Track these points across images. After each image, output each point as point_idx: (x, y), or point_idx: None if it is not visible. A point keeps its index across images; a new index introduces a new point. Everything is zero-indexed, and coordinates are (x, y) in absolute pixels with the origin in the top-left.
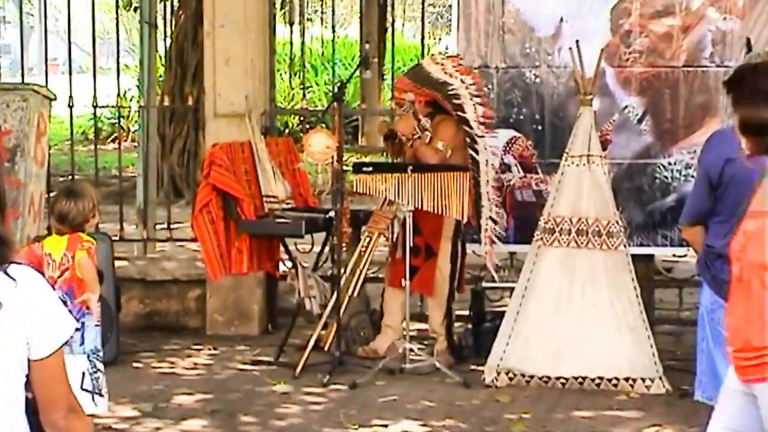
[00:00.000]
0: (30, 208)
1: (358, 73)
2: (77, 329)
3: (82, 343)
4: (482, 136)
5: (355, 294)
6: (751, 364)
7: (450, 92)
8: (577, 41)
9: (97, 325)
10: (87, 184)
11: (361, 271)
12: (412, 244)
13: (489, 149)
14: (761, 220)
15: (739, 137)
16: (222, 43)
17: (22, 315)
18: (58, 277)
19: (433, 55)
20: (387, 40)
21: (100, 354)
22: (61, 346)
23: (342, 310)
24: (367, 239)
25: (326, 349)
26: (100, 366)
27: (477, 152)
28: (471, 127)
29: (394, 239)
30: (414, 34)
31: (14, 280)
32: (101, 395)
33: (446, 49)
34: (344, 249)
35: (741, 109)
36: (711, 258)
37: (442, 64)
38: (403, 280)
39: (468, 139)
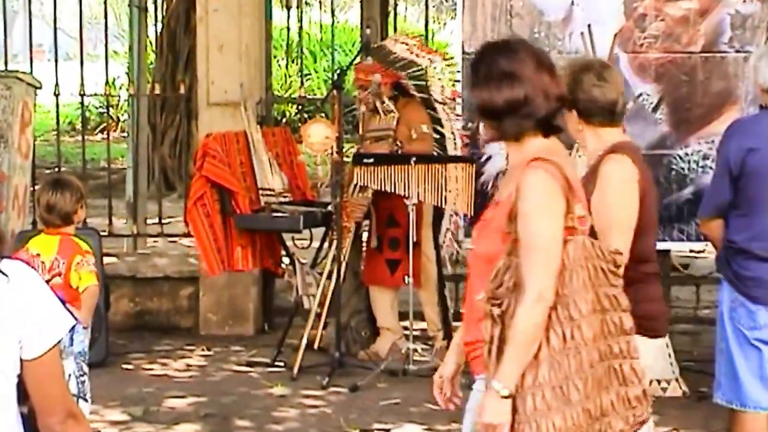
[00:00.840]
0: (14, 201)
1: (358, 59)
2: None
3: (71, 345)
4: (449, 120)
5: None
6: (470, 358)
7: (415, 73)
8: (589, 25)
9: (85, 327)
10: (72, 176)
11: (340, 264)
12: (390, 236)
13: (456, 132)
14: (494, 209)
15: (479, 122)
16: (215, 28)
17: (22, 315)
18: (47, 281)
19: (395, 35)
20: (389, 25)
21: (87, 356)
22: (56, 344)
23: (326, 306)
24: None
25: (315, 347)
26: (86, 369)
27: (443, 136)
28: (435, 110)
29: (368, 230)
30: (417, 18)
31: (6, 275)
32: (86, 400)
33: (451, 33)
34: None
35: (477, 92)
36: (731, 253)
37: (406, 44)
38: (406, 276)
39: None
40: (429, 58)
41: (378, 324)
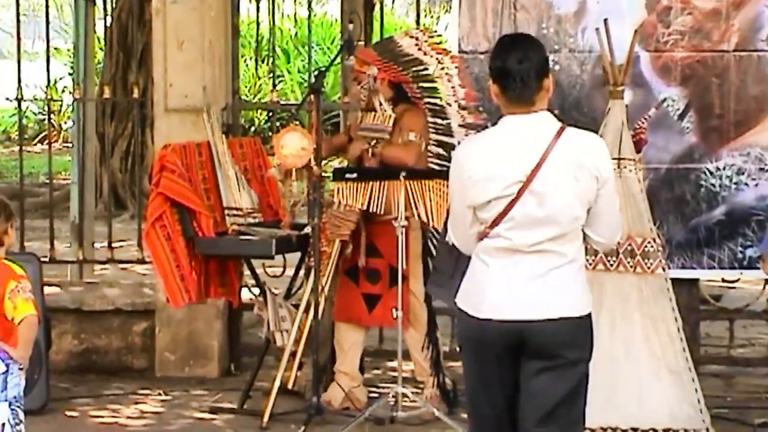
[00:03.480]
0: None
1: (339, 59)
2: (2, 373)
3: (4, 390)
4: (463, 125)
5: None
6: None
7: (421, 73)
8: (605, 20)
9: (21, 368)
10: None
11: (318, 295)
12: (369, 267)
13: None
14: None
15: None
16: (174, 23)
17: None
18: None
19: (408, 30)
20: (374, 19)
21: (22, 401)
22: None
23: (299, 342)
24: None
25: (291, 387)
26: (22, 416)
27: (452, 147)
28: (444, 115)
29: (343, 255)
30: (407, 11)
31: None
32: None
33: (446, 29)
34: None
35: None
36: None
37: (416, 39)
38: (394, 310)
39: (437, 131)
40: (437, 58)
41: (336, 366)
